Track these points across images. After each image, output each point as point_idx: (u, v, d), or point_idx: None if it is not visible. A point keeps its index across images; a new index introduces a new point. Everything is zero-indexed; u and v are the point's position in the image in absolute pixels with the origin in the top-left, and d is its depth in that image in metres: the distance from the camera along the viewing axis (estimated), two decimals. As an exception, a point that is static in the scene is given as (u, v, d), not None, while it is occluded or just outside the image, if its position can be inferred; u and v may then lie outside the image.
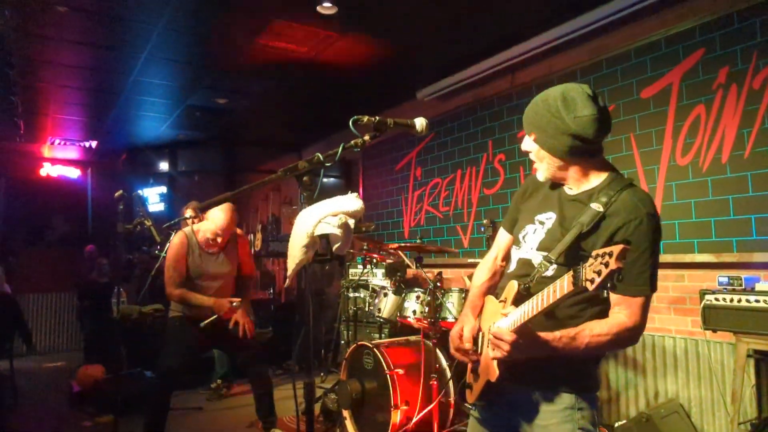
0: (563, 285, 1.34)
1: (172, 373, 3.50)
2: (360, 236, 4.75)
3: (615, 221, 1.49)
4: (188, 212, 4.55)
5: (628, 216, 1.48)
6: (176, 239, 3.57)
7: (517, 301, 1.53)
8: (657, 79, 3.69)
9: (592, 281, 1.23)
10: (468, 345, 1.70)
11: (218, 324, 3.55)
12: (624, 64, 3.90)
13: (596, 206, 1.50)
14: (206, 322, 3.51)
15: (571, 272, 1.31)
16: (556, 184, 1.68)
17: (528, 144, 1.64)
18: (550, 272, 1.54)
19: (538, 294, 1.41)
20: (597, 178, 1.59)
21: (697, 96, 3.48)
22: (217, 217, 3.54)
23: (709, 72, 3.43)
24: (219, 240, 3.58)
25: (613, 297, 1.51)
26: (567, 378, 1.58)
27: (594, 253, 1.25)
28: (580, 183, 1.60)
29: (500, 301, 1.63)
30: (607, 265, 1.20)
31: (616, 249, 1.20)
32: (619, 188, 1.53)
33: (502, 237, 1.89)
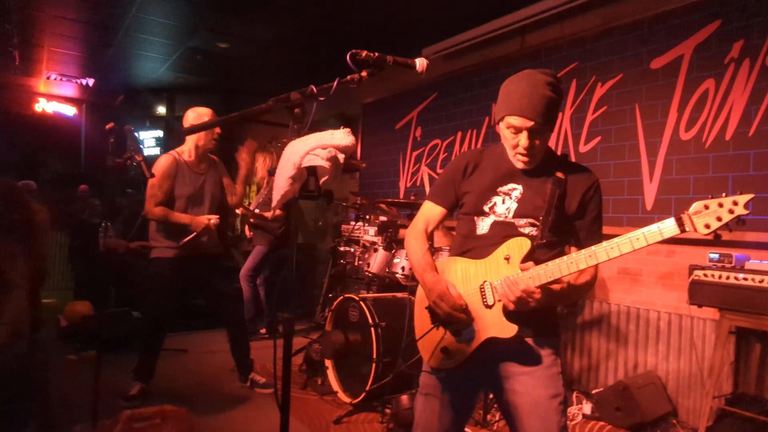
0: (662, 230, 1.35)
1: (164, 315, 3.53)
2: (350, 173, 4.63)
3: (580, 184, 1.69)
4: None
5: (589, 180, 1.71)
6: (164, 159, 3.49)
7: (531, 256, 1.60)
8: (669, 49, 3.60)
9: (708, 226, 1.31)
10: (463, 302, 1.69)
11: (196, 258, 3.51)
12: (636, 32, 3.79)
13: (560, 175, 1.68)
14: (185, 240, 3.45)
15: (672, 219, 1.35)
16: (502, 161, 1.77)
17: (540, 133, 1.64)
18: (534, 232, 1.67)
19: (608, 243, 1.43)
20: (546, 152, 1.74)
21: (708, 69, 3.40)
22: (192, 116, 3.55)
23: (722, 45, 3.34)
24: (216, 133, 3.57)
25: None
26: (554, 325, 1.76)
27: (704, 204, 1.32)
28: (538, 158, 1.71)
29: (504, 258, 1.63)
30: (732, 212, 1.29)
31: (743, 198, 1.28)
32: (563, 159, 1.77)
33: (433, 210, 1.90)
